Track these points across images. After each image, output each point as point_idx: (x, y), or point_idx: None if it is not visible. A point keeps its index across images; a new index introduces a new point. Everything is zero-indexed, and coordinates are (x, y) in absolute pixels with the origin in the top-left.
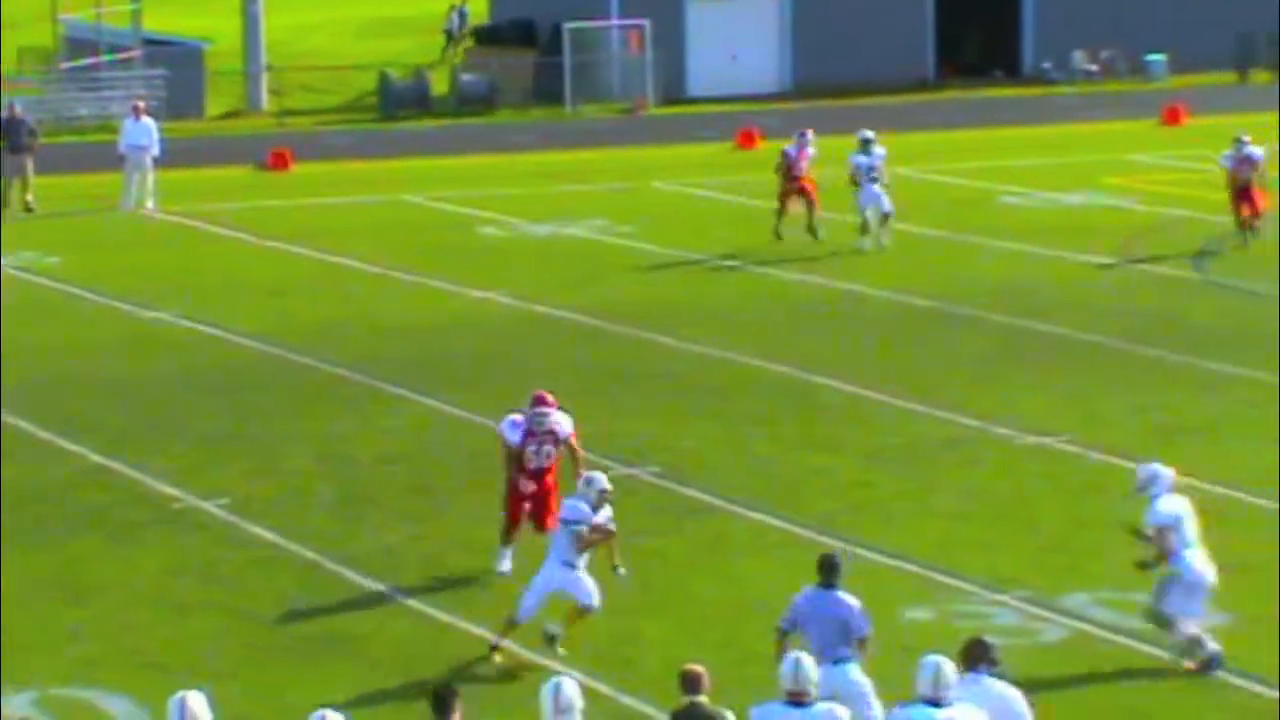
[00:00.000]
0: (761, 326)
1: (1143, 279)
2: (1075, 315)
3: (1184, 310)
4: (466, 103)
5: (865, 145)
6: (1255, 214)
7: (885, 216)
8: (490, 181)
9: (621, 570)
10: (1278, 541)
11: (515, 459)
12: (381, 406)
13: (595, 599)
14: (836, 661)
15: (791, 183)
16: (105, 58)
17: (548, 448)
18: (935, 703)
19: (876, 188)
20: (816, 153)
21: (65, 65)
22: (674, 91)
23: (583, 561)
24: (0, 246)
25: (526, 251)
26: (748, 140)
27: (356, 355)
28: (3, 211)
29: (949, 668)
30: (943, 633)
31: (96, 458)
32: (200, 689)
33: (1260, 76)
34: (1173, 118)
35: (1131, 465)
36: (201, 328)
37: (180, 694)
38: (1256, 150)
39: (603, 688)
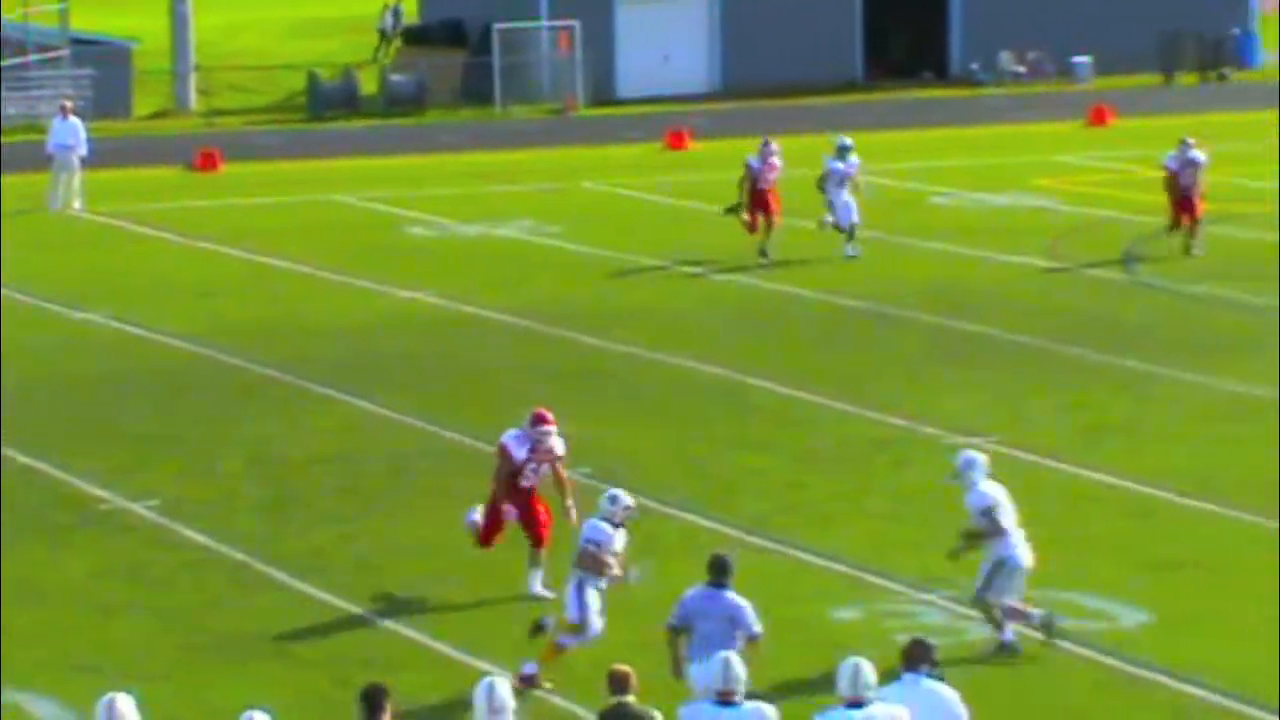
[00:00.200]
0: (693, 327)
1: (1069, 279)
2: (1003, 315)
3: (1109, 310)
4: (395, 103)
5: (842, 152)
6: (1194, 221)
7: (852, 228)
8: (419, 182)
9: (634, 574)
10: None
11: (513, 474)
12: (311, 407)
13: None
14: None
15: (756, 196)
16: (33, 57)
17: (544, 468)
18: (855, 704)
19: (846, 195)
20: (783, 165)
21: None
22: (603, 92)
23: (603, 582)
24: None
25: (455, 252)
26: (677, 141)
27: (285, 356)
28: None
29: (868, 668)
30: (871, 632)
31: (24, 459)
32: (129, 691)
33: (1185, 78)
34: (1099, 119)
35: (1058, 465)
36: (130, 328)
37: (108, 696)
38: (1200, 155)
39: (537, 691)
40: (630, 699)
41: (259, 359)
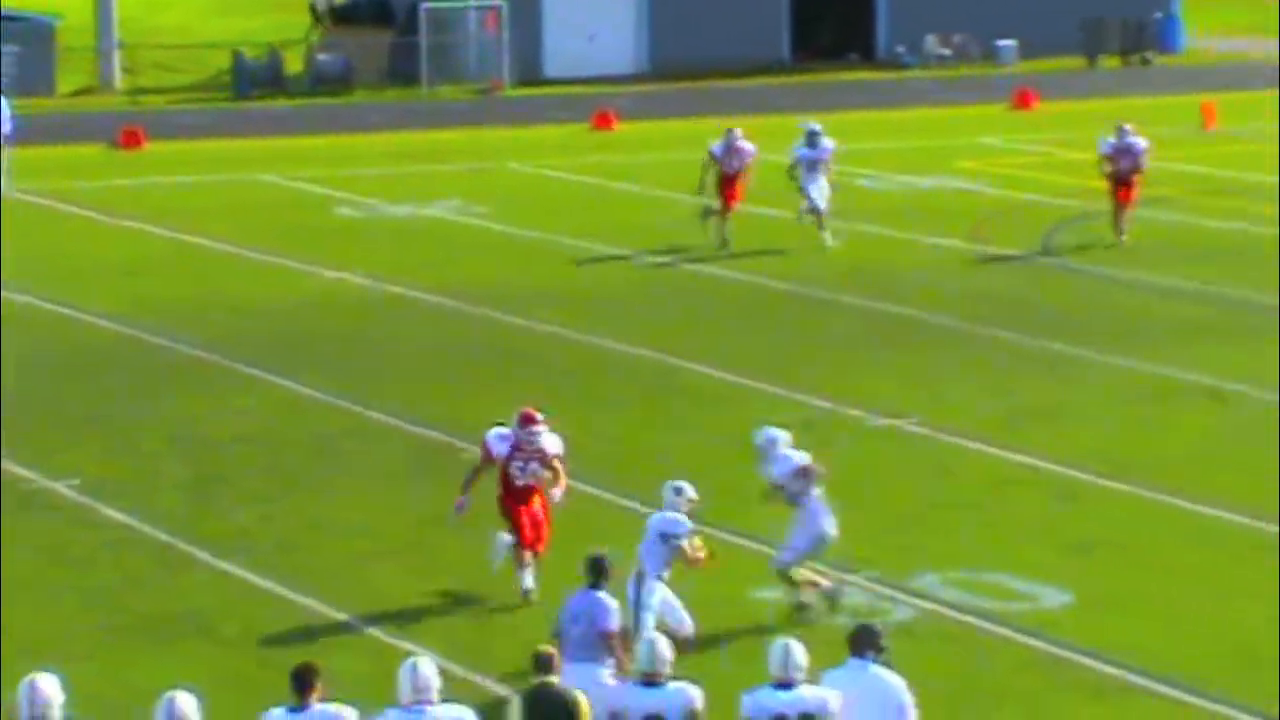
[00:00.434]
0: (618, 308)
1: (993, 262)
2: (928, 298)
3: (1032, 293)
4: (322, 82)
5: (811, 138)
6: (1124, 206)
7: (820, 215)
8: (346, 162)
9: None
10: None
11: (499, 474)
12: (236, 387)
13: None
14: (579, 660)
15: (724, 182)
16: None
17: (534, 465)
18: (785, 685)
19: (818, 183)
20: (754, 152)
21: None
22: (530, 72)
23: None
24: None
25: (383, 232)
26: (604, 122)
27: (211, 336)
28: None
29: (798, 649)
30: (792, 613)
31: None
32: (52, 671)
33: (1108, 62)
34: (1023, 102)
35: (981, 447)
36: (54, 308)
37: (31, 676)
38: (1139, 141)
39: (457, 670)
40: (554, 679)
41: (183, 338)
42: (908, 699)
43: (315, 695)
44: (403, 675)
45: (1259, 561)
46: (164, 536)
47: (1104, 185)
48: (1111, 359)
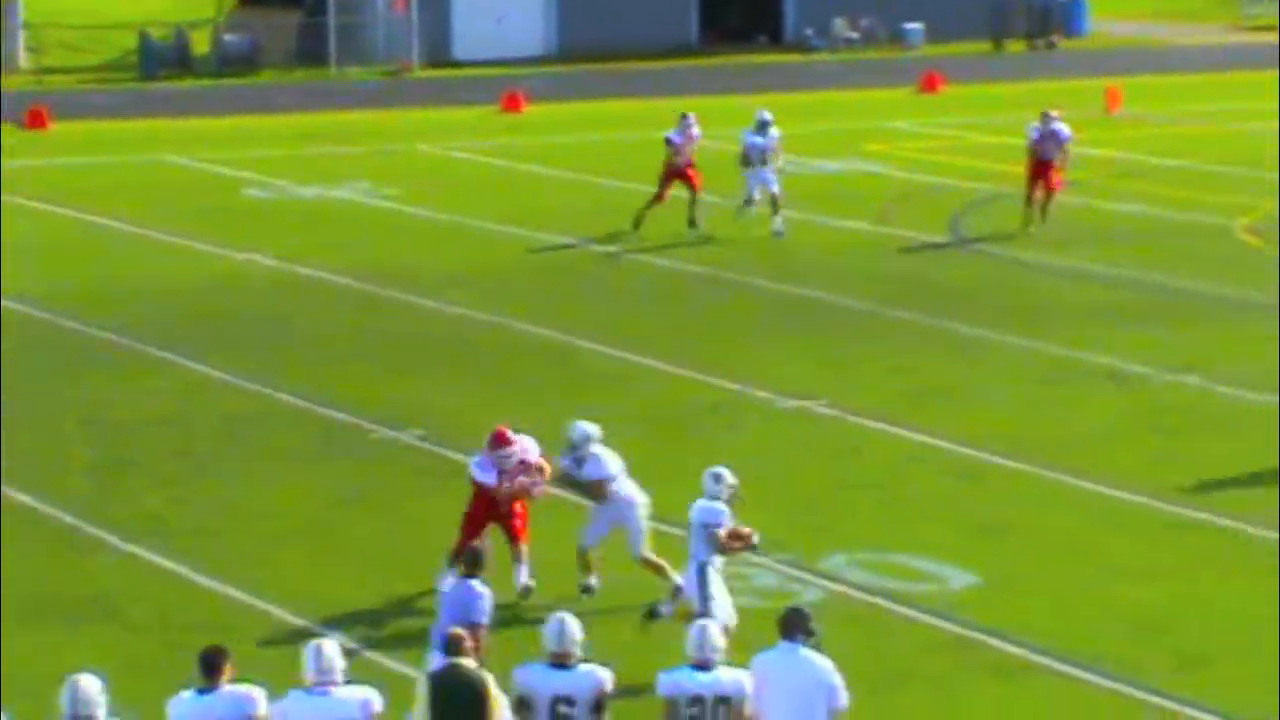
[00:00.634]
0: (526, 290)
1: (899, 245)
2: (834, 280)
3: (938, 275)
4: (229, 63)
5: (762, 127)
6: (1049, 192)
7: (774, 200)
8: (254, 143)
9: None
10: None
11: (481, 494)
12: (144, 369)
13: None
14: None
15: (677, 171)
16: None
17: (520, 478)
18: (702, 666)
19: (768, 170)
20: (701, 136)
21: None
22: (439, 54)
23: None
24: None
25: (291, 213)
26: (513, 104)
27: (118, 317)
28: None
29: (714, 631)
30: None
31: None
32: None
33: (1014, 45)
34: (930, 85)
35: (887, 428)
36: None
37: (74, 676)
38: (1064, 128)
39: (367, 652)
40: (462, 661)
41: (91, 320)
42: (838, 680)
43: (224, 677)
44: (307, 657)
45: (1158, 540)
46: (71, 519)
47: (1017, 170)
48: (1015, 340)
